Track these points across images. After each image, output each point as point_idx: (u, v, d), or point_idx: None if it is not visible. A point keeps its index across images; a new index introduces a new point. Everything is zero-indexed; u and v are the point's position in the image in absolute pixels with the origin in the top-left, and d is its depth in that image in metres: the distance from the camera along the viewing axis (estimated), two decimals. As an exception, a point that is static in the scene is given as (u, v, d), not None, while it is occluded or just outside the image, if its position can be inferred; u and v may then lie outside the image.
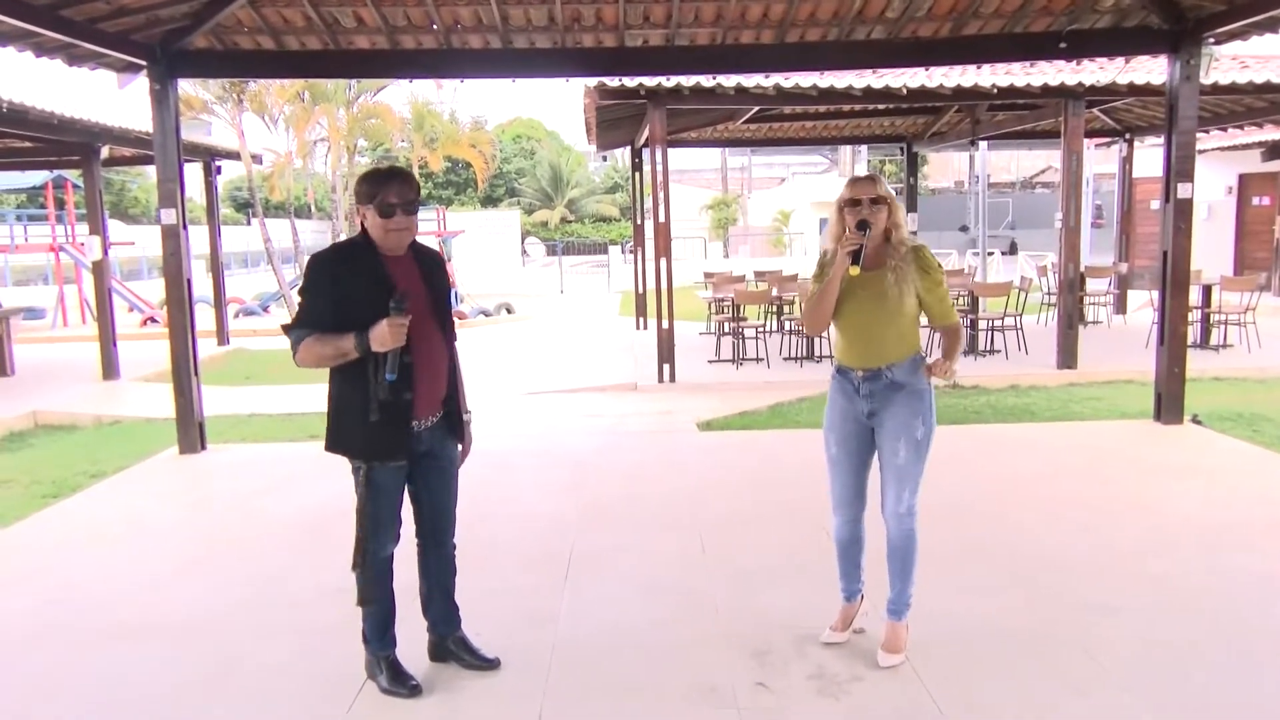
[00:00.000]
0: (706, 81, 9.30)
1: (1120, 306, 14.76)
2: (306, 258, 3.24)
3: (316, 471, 6.46)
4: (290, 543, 5.17)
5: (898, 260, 3.52)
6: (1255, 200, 17.86)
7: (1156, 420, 7.50)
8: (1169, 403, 7.42)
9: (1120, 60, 9.26)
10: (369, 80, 16.17)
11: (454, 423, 3.44)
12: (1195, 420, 7.51)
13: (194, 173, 13.03)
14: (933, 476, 3.69)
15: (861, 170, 28.80)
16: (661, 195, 9.74)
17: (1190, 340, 11.59)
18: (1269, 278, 16.05)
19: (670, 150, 14.73)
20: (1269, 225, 17.28)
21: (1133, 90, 9.83)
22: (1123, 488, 5.86)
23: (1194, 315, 11.48)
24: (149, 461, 7.18)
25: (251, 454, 7.43)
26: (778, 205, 33.57)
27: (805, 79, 9.41)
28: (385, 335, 2.98)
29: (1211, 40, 7.15)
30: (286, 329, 3.14)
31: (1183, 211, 7.24)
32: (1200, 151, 17.28)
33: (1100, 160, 29.25)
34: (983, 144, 15.33)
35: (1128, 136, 14.70)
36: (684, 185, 42.12)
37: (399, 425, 3.19)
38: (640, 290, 14.91)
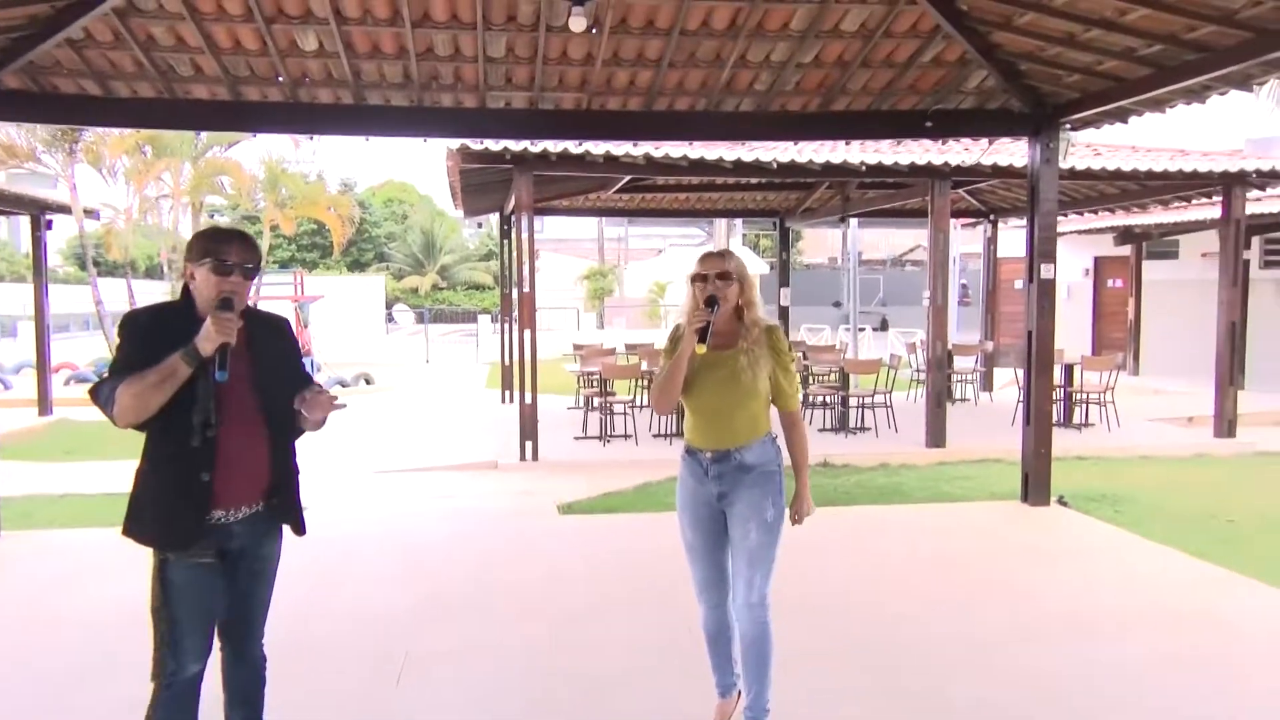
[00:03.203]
0: (574, 148, 9.22)
1: (987, 384, 15.25)
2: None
3: (126, 561, 5.86)
4: (83, 646, 4.62)
5: (750, 341, 3.45)
6: (1110, 282, 18.91)
7: (1024, 501, 7.60)
8: (1036, 484, 7.54)
9: (984, 141, 9.63)
10: (219, 134, 15.54)
11: (280, 518, 3.05)
12: (1061, 501, 7.64)
13: (24, 227, 12.15)
14: (801, 564, 3.55)
15: (736, 244, 29.41)
16: (527, 265, 9.54)
17: (1053, 419, 12.02)
18: (1125, 358, 16.89)
19: (548, 218, 14.71)
20: (1123, 306, 18.28)
21: (996, 172, 10.23)
22: (993, 574, 5.84)
23: (1057, 394, 11.90)
24: (-73, 552, 6.43)
25: (54, 541, 6.76)
26: (654, 276, 33.93)
27: (676, 149, 9.43)
28: (209, 331, 2.72)
29: (1068, 126, 7.48)
30: (95, 390, 2.80)
31: (1046, 292, 7.46)
32: (1059, 234, 18.25)
33: (966, 240, 30.71)
34: (854, 221, 15.76)
35: (992, 217, 15.35)
36: (560, 254, 42.21)
37: (194, 511, 2.81)
38: (507, 362, 14.61)
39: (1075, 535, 6.86)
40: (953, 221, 21.01)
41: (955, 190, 11.87)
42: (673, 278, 30.52)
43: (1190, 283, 16.97)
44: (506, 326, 14.60)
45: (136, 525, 2.87)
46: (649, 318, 31.67)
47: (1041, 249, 7.45)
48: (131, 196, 16.27)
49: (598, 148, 9.26)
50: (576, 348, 14.27)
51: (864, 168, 9.88)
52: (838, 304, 32.34)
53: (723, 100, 7.25)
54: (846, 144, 10.09)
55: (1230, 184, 10.86)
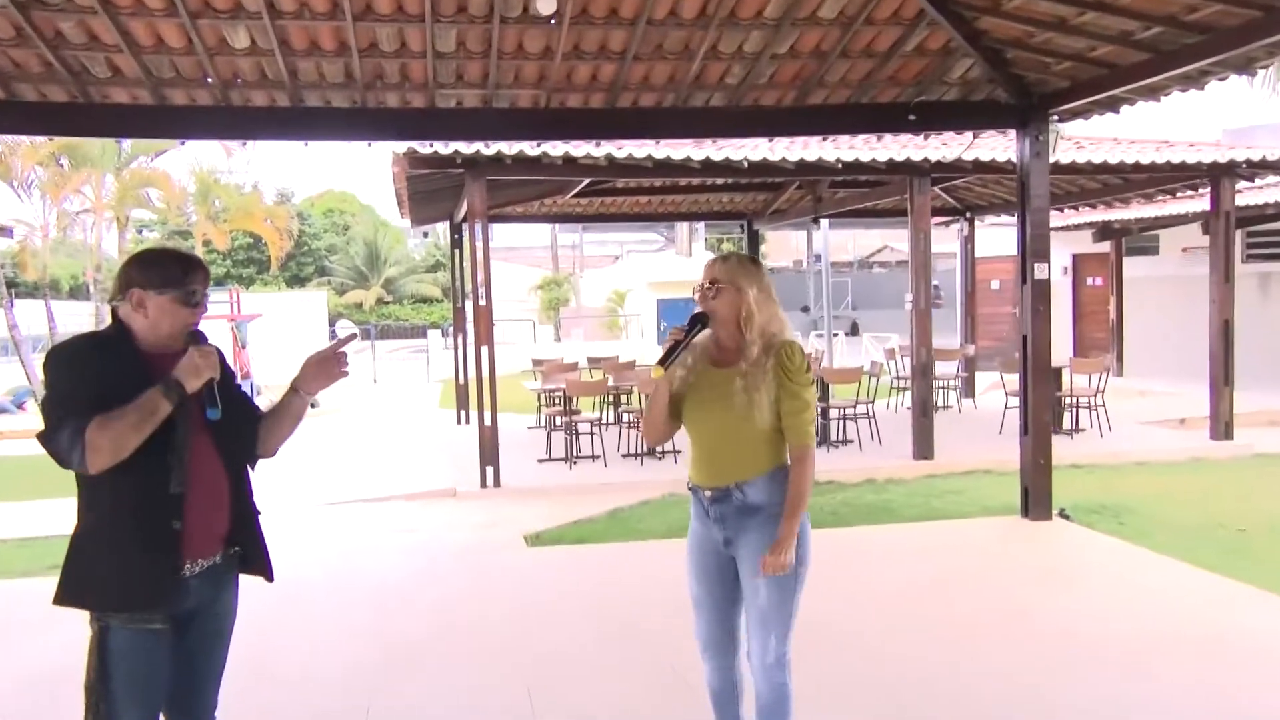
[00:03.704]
0: (531, 149, 8.96)
1: (969, 390, 15.17)
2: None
3: (46, 619, 5.49)
4: (-7, 725, 4.26)
5: (749, 360, 3.12)
6: (1089, 280, 18.99)
7: (1024, 516, 7.45)
8: (1036, 497, 7.39)
9: (968, 135, 9.53)
10: (142, 142, 14.98)
11: (241, 568, 2.86)
12: (1063, 515, 7.50)
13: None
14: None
15: (698, 248, 29.28)
16: (482, 276, 9.26)
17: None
18: (1111, 359, 16.93)
19: (495, 226, 14.39)
20: (1104, 305, 18.35)
21: (978, 167, 10.13)
22: (1000, 598, 5.66)
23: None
24: None
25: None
26: (612, 285, 33.67)
27: (640, 149, 9.21)
28: (195, 365, 2.61)
29: (1056, 117, 7.36)
30: (48, 436, 2.55)
31: (1040, 293, 7.31)
32: (1036, 231, 18.28)
33: (937, 239, 30.81)
34: (824, 222, 15.65)
35: (969, 215, 15.31)
36: (511, 264, 41.82)
37: (162, 562, 2.60)
38: (461, 380, 14.28)
39: (1081, 552, 6.72)
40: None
41: (931, 188, 11.77)
42: (632, 285, 30.27)
43: (1171, 279, 17.06)
44: (460, 342, 14.28)
45: (80, 588, 2.62)
46: (609, 328, 31.40)
47: (1034, 248, 7.30)
48: (48, 211, 15.69)
49: (556, 149, 9.02)
50: (536, 363, 14.00)
51: (840, 165, 9.73)
52: (805, 309, 32.34)
53: (691, 95, 7.04)
54: (821, 141, 9.94)
55: (1218, 175, 10.87)
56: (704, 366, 3.26)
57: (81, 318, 22.36)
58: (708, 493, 3.21)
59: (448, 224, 15.07)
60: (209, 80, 6.38)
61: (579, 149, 9.10)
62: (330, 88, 6.60)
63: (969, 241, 15.67)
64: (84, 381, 2.58)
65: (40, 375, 2.76)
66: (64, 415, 2.53)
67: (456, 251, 14.60)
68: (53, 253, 16.94)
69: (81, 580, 2.61)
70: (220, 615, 2.83)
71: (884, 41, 6.61)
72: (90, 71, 6.22)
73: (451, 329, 17.41)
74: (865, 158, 9.71)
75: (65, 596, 2.63)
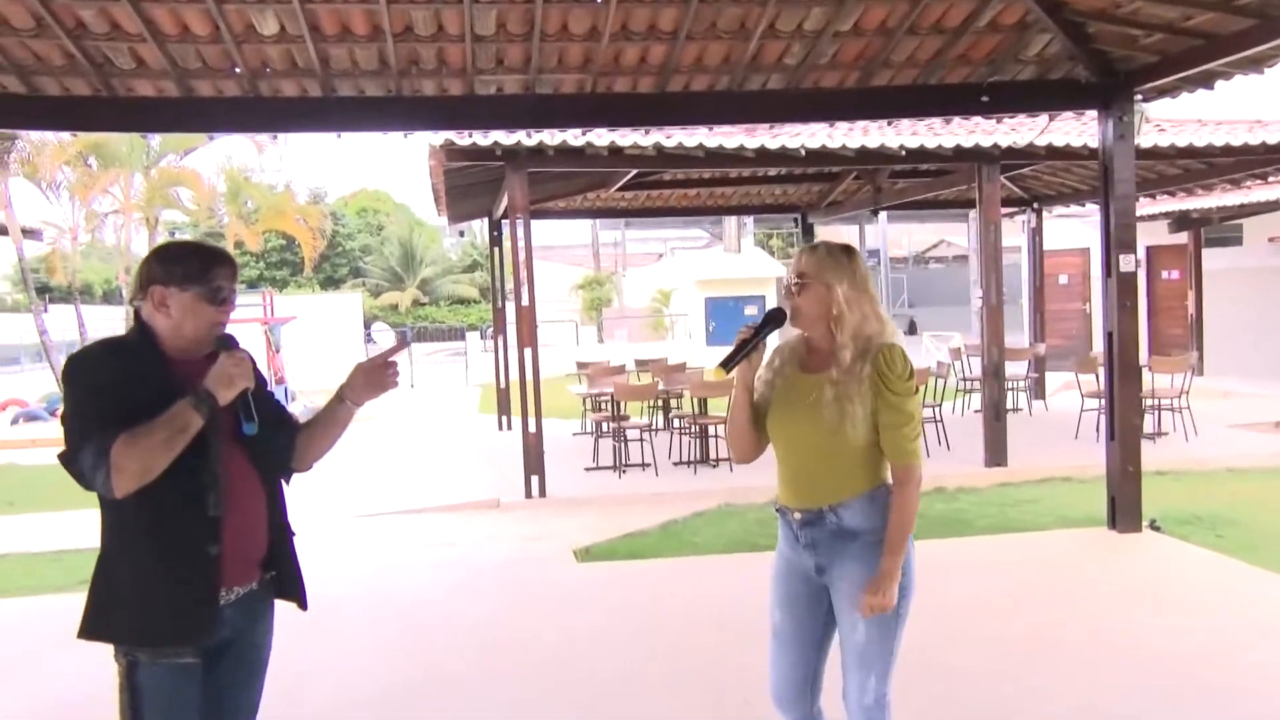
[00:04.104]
0: (574, 140, 8.76)
1: (1039, 391, 14.76)
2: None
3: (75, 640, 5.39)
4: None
5: (842, 367, 2.85)
6: (1165, 274, 18.44)
7: (1111, 528, 7.12)
8: (1124, 507, 7.06)
9: (1040, 119, 9.19)
10: (171, 139, 14.98)
11: (277, 593, 2.70)
12: (1154, 526, 7.16)
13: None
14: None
15: (747, 244, 28.97)
16: (525, 275, 9.08)
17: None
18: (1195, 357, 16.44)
19: (535, 222, 14.18)
20: (1181, 301, 17.81)
21: (1051, 153, 9.78)
22: (1094, 620, 5.35)
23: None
24: None
25: (-12, 615, 6.27)
26: (657, 284, 33.43)
27: (690, 137, 8.97)
28: (228, 374, 2.45)
29: (1140, 96, 7.05)
30: (69, 457, 2.40)
31: (1127, 287, 6.99)
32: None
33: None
34: (882, 215, 15.32)
35: (1035, 206, 14.89)
36: (551, 262, 41.72)
37: (197, 591, 2.46)
38: (502, 384, 14.13)
39: (1178, 568, 6.37)
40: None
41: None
42: (677, 284, 30.00)
43: (1256, 271, 16.53)
44: (500, 344, 14.13)
45: (105, 620, 2.47)
46: (654, 329, 31.16)
47: (1119, 238, 6.97)
48: (77, 213, 15.74)
49: (601, 139, 8.81)
50: (581, 366, 13.81)
51: (904, 152, 9.42)
52: (859, 307, 31.91)
53: (747, 78, 6.81)
54: (881, 127, 9.65)
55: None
56: (792, 371, 3.00)
57: (113, 323, 22.55)
58: (797, 515, 2.95)
59: (485, 221, 14.94)
60: (236, 70, 6.27)
61: (625, 138, 8.89)
62: (363, 75, 6.45)
63: (1037, 233, 15.25)
64: (105, 394, 2.42)
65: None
66: (86, 433, 2.37)
67: (496, 250, 14.46)
68: (84, 257, 17.00)
69: (107, 611, 2.47)
70: (256, 647, 2.68)
71: (955, 16, 6.33)
72: (113, 63, 6.14)
73: (491, 331, 17.31)
74: (931, 144, 9.40)
75: (90, 629, 2.48)
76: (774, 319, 2.95)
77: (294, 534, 2.74)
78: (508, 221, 13.66)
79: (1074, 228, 18.44)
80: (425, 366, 27.01)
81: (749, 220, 28.21)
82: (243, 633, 2.59)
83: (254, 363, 2.69)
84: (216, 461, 2.46)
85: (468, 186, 11.44)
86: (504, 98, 6.78)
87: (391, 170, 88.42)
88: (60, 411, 2.51)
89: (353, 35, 6.00)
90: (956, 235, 43.53)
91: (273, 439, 2.63)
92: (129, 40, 5.90)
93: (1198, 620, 5.31)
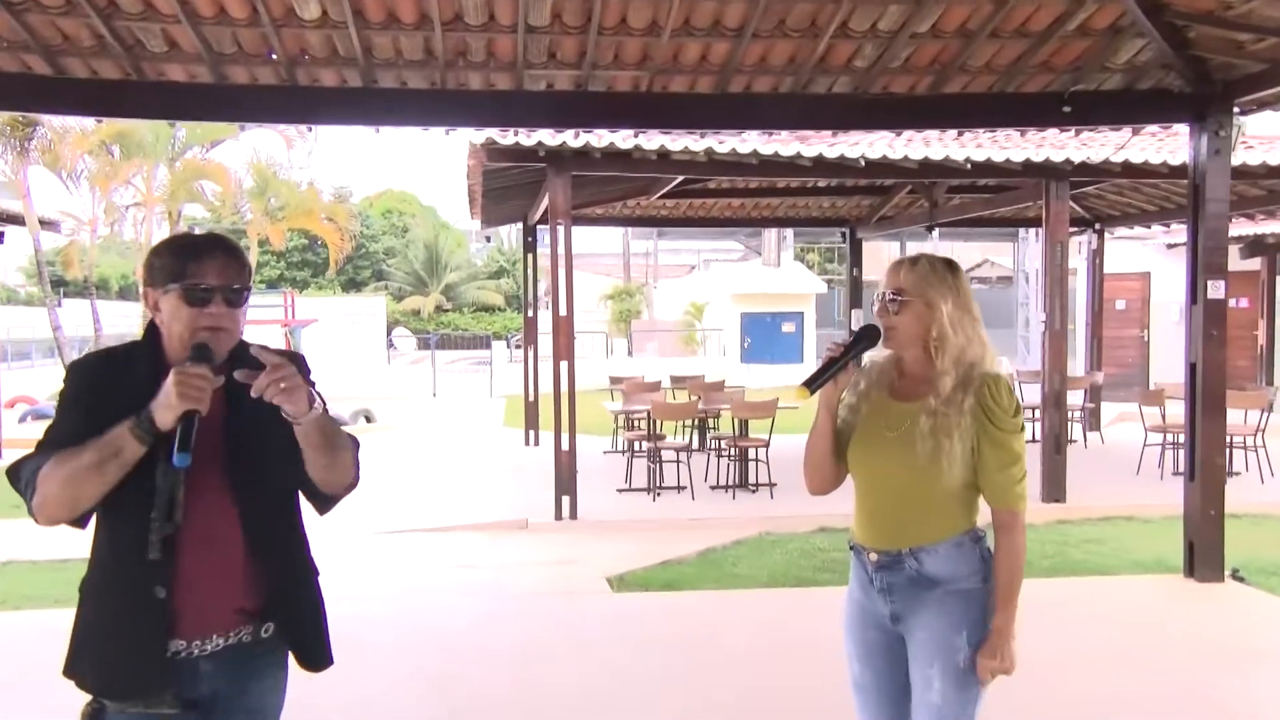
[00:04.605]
0: (623, 143, 8.57)
1: (1094, 422, 14.42)
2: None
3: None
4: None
5: (942, 397, 2.63)
6: (1233, 302, 18.02)
7: (1189, 576, 6.81)
8: (1205, 554, 6.75)
9: (1125, 132, 8.91)
10: (198, 130, 14.86)
11: (277, 650, 2.38)
12: (1236, 576, 6.85)
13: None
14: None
15: (787, 259, 28.72)
16: (564, 283, 8.89)
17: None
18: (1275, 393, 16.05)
19: (534, 230, 13.98)
20: (1250, 330, 17.41)
21: (1127, 171, 9.49)
22: (1179, 680, 5.05)
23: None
24: None
25: (-11, 627, 6.10)
26: (689, 297, 33.24)
27: (744, 144, 8.77)
28: (169, 394, 2.09)
29: (1238, 110, 6.78)
30: (15, 470, 2.17)
31: (1215, 315, 6.71)
32: (1171, 246, 17.47)
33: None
34: (935, 232, 15.06)
35: (1098, 227, 14.59)
36: (579, 271, 41.58)
37: (146, 642, 2.19)
38: (531, 397, 13.94)
39: (1270, 625, 6.06)
40: (1038, 232, 20.33)
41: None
42: (710, 298, 29.78)
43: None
44: (531, 355, 13.95)
45: (74, 661, 2.27)
46: (685, 344, 30.95)
47: (1208, 261, 6.70)
48: (97, 204, 15.65)
49: (651, 142, 8.62)
50: (614, 381, 13.60)
51: (970, 165, 9.16)
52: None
53: (813, 80, 6.58)
54: (942, 138, 9.41)
55: None
56: (880, 397, 2.78)
57: (132, 319, 22.44)
58: (873, 556, 2.74)
59: (515, 226, 14.79)
60: (273, 56, 6.11)
61: (676, 142, 8.68)
62: (407, 66, 6.28)
63: (1098, 255, 14.93)
64: (79, 411, 2.20)
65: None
66: (39, 447, 2.17)
67: (530, 255, 14.30)
68: (102, 251, 16.85)
69: (77, 650, 2.27)
70: (250, 710, 2.36)
71: (1043, 19, 6.07)
72: (145, 45, 5.99)
73: (519, 340, 17.10)
74: (998, 158, 9.14)
75: (67, 667, 2.28)
76: (866, 337, 2.74)
77: (317, 573, 2.47)
78: (544, 227, 13.57)
79: (1134, 250, 18.08)
80: (448, 375, 26.90)
81: (789, 233, 27.94)
82: (233, 695, 2.30)
83: (304, 365, 2.36)
84: (167, 493, 2.17)
85: (504, 189, 11.28)
86: (554, 94, 6.59)
87: (419, 171, 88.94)
88: None
89: (399, 23, 5.82)
90: (1000, 255, 43.09)
91: (270, 464, 2.29)
92: (163, 21, 5.75)
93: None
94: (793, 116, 7.07)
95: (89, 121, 13.76)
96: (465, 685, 5.03)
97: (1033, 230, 24.16)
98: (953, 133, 8.97)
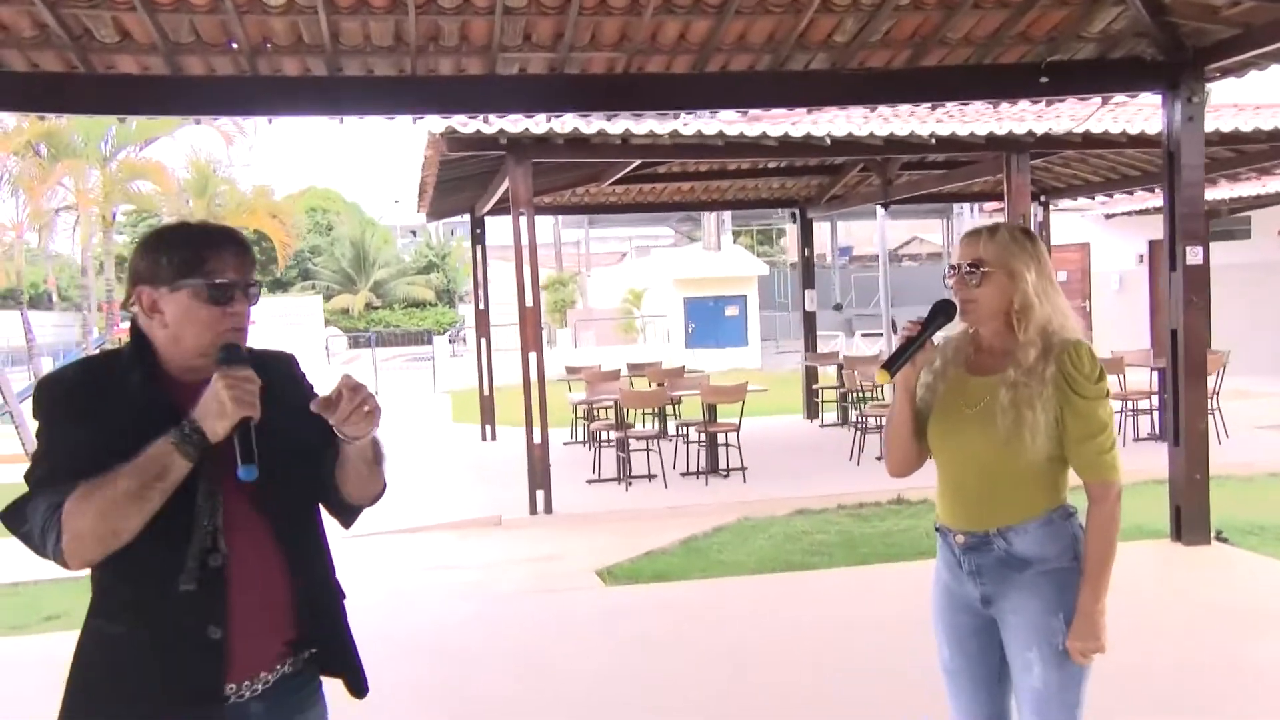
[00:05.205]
0: (587, 128, 8.38)
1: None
2: (46, 367, 1.95)
3: (41, 688, 4.89)
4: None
5: (1022, 366, 2.53)
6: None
7: (1176, 540, 6.87)
8: (1191, 518, 6.81)
9: (1094, 103, 8.90)
10: (134, 128, 14.21)
11: (316, 675, 2.18)
12: (1221, 538, 6.92)
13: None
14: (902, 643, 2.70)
15: (726, 242, 28.69)
16: (529, 274, 8.69)
17: (1148, 431, 11.43)
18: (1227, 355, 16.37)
19: (492, 220, 13.70)
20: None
21: (1088, 142, 9.54)
22: (1190, 643, 5.05)
23: (1152, 402, 11.27)
24: None
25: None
26: (623, 284, 33.03)
27: (710, 125, 8.63)
28: (222, 400, 1.85)
29: (1215, 74, 6.83)
30: (16, 513, 1.89)
31: (1195, 281, 6.77)
32: (1109, 216, 17.74)
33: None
34: (880, 210, 15.09)
35: (1044, 199, 14.71)
36: (508, 263, 41.12)
37: (200, 692, 1.95)
38: (486, 391, 13.68)
39: (1264, 585, 6.11)
40: (984, 206, 20.52)
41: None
42: (649, 284, 29.62)
43: (1265, 265, 16.50)
44: (484, 347, 13.70)
45: (90, 705, 1.97)
46: (624, 331, 30.77)
47: (1186, 228, 6.76)
48: (22, 209, 14.87)
49: (615, 127, 8.43)
50: (571, 371, 13.39)
51: (935, 140, 9.12)
52: (838, 306, 31.83)
53: (790, 58, 6.47)
54: (901, 113, 9.35)
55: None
56: (957, 373, 2.68)
57: (67, 329, 21.33)
58: (960, 538, 2.64)
59: (442, 220, 14.47)
60: (233, 45, 5.82)
61: (640, 125, 8.51)
62: (375, 53, 6.03)
63: (1044, 227, 15.06)
64: (73, 431, 1.91)
65: (11, 394, 2.06)
66: (40, 481, 1.88)
67: (478, 247, 14.03)
68: (31, 259, 15.98)
69: (86, 696, 1.98)
70: None
71: (1026, -14, 6.03)
72: (95, 35, 5.65)
73: (459, 334, 16.76)
74: (963, 131, 9.11)
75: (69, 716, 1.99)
76: (943, 312, 2.62)
77: (344, 596, 2.25)
78: (494, 218, 13.31)
79: (1073, 222, 18.35)
80: (386, 373, 26.42)
81: (727, 216, 27.90)
82: None
83: (297, 371, 2.23)
84: (209, 516, 1.94)
85: (456, 180, 11.01)
86: (527, 78, 6.39)
87: (342, 167, 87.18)
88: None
89: (369, 7, 5.56)
90: (930, 233, 43.67)
91: (297, 480, 2.09)
92: (114, 8, 5.43)
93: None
94: (770, 95, 6.95)
95: (11, 119, 13.10)
96: (471, 693, 4.86)
97: (968, 206, 24.46)
98: (911, 108, 8.90)
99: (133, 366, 1.98)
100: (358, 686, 2.21)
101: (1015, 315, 2.57)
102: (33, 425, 1.97)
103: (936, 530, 2.75)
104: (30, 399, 2.00)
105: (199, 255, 1.97)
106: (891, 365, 2.58)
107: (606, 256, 47.42)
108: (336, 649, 2.18)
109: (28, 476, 1.91)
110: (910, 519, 8.57)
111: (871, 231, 45.31)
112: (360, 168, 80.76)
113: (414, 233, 52.75)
